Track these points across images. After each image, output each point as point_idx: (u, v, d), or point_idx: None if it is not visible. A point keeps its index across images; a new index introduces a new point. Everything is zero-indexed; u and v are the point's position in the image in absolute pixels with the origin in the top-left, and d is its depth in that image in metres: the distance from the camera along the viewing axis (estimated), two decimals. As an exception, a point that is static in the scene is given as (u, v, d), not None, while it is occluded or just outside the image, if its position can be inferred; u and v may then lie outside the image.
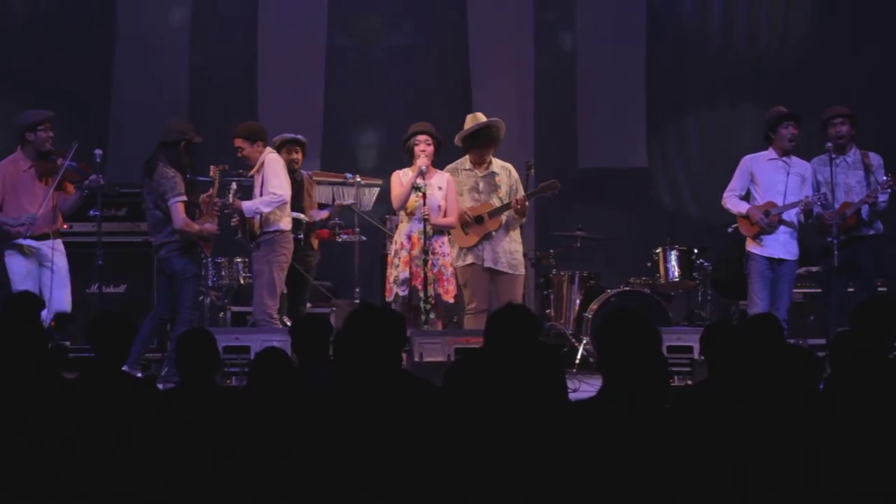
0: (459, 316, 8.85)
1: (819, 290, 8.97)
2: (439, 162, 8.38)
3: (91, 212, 8.29)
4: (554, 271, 10.06)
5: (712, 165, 11.16)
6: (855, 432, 3.83)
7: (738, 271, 8.76)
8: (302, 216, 8.64)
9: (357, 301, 9.10)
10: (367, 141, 11.54)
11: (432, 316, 8.00)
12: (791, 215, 8.27)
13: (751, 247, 8.34)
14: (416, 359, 7.58)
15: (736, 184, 8.45)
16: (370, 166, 10.98)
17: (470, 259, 8.36)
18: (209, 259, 8.85)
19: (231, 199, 8.17)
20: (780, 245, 8.28)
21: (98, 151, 7.99)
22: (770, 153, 8.39)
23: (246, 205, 8.18)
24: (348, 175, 9.50)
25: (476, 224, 8.34)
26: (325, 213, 9.00)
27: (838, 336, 4.69)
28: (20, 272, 7.81)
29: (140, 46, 10.99)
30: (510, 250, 8.39)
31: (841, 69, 11.30)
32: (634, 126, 11.47)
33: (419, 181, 8.08)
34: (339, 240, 9.25)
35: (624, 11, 11.49)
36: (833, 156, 8.24)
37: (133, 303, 8.97)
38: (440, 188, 8.23)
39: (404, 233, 8.18)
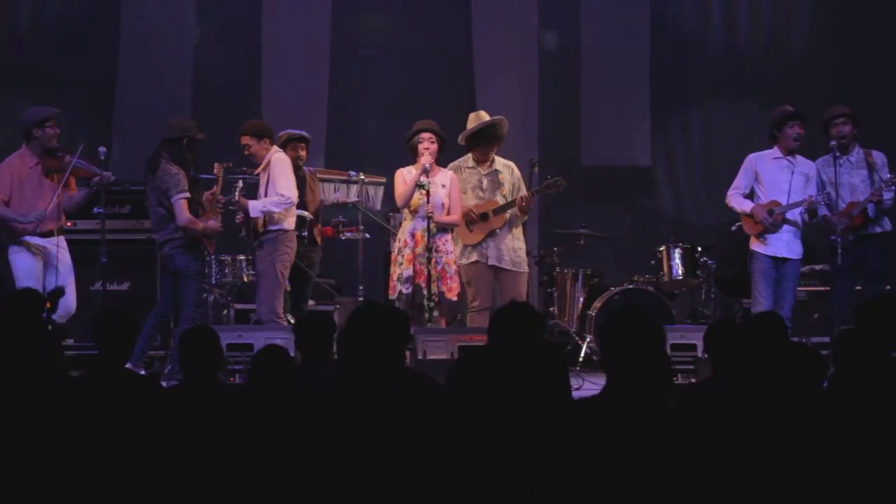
0: (463, 314, 8.86)
1: (823, 289, 8.97)
2: (443, 159, 8.38)
3: (95, 209, 8.29)
4: (557, 269, 10.06)
5: (716, 164, 11.16)
6: (859, 430, 3.83)
7: (742, 269, 8.75)
8: (305, 213, 8.65)
9: (360, 298, 9.12)
10: (371, 139, 11.53)
11: (436, 314, 7.99)
12: (795, 214, 8.26)
13: (754, 245, 8.33)
14: (420, 356, 7.59)
15: (740, 182, 8.44)
16: (374, 164, 10.98)
17: (474, 257, 8.36)
18: (212, 256, 8.85)
19: (237, 197, 8.17)
20: (784, 244, 8.27)
21: (102, 149, 7.99)
22: (775, 152, 8.37)
23: (253, 204, 8.17)
24: (352, 173, 9.53)
25: (481, 221, 8.34)
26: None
27: (842, 334, 4.68)
28: (25, 269, 7.80)
29: (144, 45, 11.01)
30: (514, 248, 8.40)
31: (842, 69, 11.29)
32: (638, 124, 11.50)
33: (423, 179, 8.07)
34: (343, 237, 9.26)
35: (627, 10, 11.52)
36: (837, 154, 8.24)
37: (136, 300, 8.96)
38: (444, 186, 8.22)
39: (408, 230, 8.18)
